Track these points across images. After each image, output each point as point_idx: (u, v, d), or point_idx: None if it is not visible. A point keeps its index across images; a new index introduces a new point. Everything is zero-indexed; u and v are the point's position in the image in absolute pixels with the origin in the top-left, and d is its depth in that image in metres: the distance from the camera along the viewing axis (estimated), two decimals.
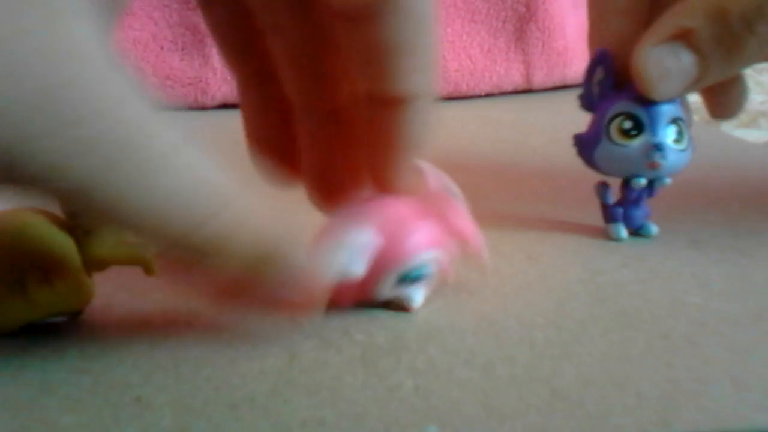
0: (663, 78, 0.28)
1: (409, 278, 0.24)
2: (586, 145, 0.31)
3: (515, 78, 0.63)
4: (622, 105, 0.30)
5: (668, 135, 0.29)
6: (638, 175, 0.30)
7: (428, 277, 0.24)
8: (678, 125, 0.29)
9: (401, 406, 0.20)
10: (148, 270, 0.25)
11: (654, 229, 0.31)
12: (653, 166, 0.29)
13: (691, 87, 0.28)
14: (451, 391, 0.20)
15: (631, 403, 0.20)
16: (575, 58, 0.65)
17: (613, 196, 0.31)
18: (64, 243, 0.23)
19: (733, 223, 0.33)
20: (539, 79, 0.64)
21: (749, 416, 0.19)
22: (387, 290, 0.24)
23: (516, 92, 0.64)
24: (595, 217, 0.32)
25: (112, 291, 0.27)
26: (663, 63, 0.28)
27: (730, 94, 0.33)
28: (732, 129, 0.58)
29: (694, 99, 0.34)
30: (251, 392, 0.20)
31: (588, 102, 0.31)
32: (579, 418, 0.19)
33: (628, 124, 0.29)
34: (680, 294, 0.26)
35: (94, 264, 0.24)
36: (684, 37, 0.27)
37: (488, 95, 0.63)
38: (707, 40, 0.27)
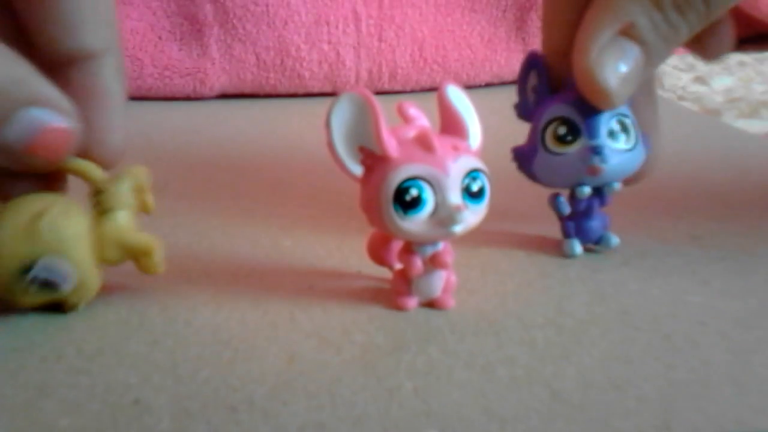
0: (622, 83, 0.26)
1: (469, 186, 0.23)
2: (524, 158, 0.29)
3: (516, 68, 0.62)
4: (555, 109, 0.28)
5: (609, 135, 0.27)
6: (581, 184, 0.28)
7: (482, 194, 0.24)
8: (621, 122, 0.27)
9: (401, 409, 0.20)
10: (149, 264, 0.25)
11: (614, 240, 0.29)
12: (593, 171, 0.27)
13: (640, 80, 0.27)
14: (451, 393, 0.20)
15: (631, 406, 0.20)
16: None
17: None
18: (77, 231, 0.24)
19: (735, 218, 0.33)
20: None
21: (751, 419, 0.19)
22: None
23: (516, 82, 0.64)
24: None
25: (110, 290, 0.27)
26: (618, 65, 0.26)
27: (717, 33, 0.30)
28: (733, 120, 0.58)
29: (694, 89, 0.34)
30: (250, 394, 0.20)
31: (523, 110, 0.30)
32: (579, 422, 0.19)
33: (562, 130, 0.27)
34: (681, 292, 0.26)
35: (106, 249, 0.24)
36: (626, 32, 0.26)
37: (488, 85, 0.62)
38: (648, 30, 0.26)
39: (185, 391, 0.21)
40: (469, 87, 0.64)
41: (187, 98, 0.57)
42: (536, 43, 0.63)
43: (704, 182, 0.38)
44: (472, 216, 0.23)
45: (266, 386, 0.21)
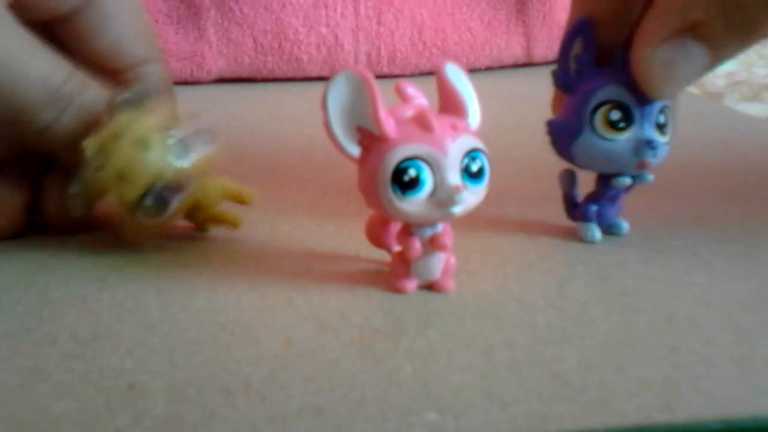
0: (672, 80, 0.25)
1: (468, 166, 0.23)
2: (563, 135, 0.27)
3: (516, 51, 0.62)
4: (610, 91, 0.26)
5: (657, 128, 0.26)
6: (623, 174, 0.27)
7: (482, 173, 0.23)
8: (665, 115, 0.26)
9: (400, 392, 0.19)
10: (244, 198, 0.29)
11: (625, 226, 0.28)
12: (643, 165, 0.26)
13: (700, 78, 0.26)
14: (451, 376, 0.20)
15: (633, 388, 0.19)
16: None
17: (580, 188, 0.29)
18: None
19: (737, 200, 0.33)
20: (540, 52, 0.63)
21: (755, 401, 0.19)
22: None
23: (516, 66, 0.63)
24: None
25: (105, 273, 0.26)
26: (672, 65, 0.24)
27: None
28: (735, 103, 0.58)
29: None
30: (246, 378, 0.20)
31: (564, 80, 0.27)
32: (581, 404, 0.19)
33: (616, 115, 0.26)
34: (683, 274, 0.26)
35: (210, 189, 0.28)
36: (692, 30, 0.24)
37: (488, 69, 0.62)
38: (720, 30, 0.24)
39: (181, 375, 0.20)
40: (468, 70, 0.64)
41: (185, 82, 0.56)
42: (537, 26, 0.62)
43: (706, 165, 0.38)
44: (472, 196, 0.23)
45: (263, 370, 0.20)
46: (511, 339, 0.22)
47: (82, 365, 0.21)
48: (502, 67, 0.62)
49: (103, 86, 0.28)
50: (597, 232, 0.28)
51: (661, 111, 0.26)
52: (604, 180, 0.28)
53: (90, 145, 0.26)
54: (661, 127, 0.26)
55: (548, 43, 0.63)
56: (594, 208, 0.28)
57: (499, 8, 0.61)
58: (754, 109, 0.56)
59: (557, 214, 0.30)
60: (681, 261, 0.27)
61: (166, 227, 0.28)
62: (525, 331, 0.22)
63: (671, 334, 0.22)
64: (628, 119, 0.26)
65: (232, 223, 0.29)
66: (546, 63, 0.64)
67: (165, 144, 0.26)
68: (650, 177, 0.27)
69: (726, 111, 0.51)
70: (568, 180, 0.29)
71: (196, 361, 0.21)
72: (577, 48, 0.27)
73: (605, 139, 0.26)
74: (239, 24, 0.56)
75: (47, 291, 0.25)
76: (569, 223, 0.30)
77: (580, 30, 0.27)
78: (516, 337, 0.22)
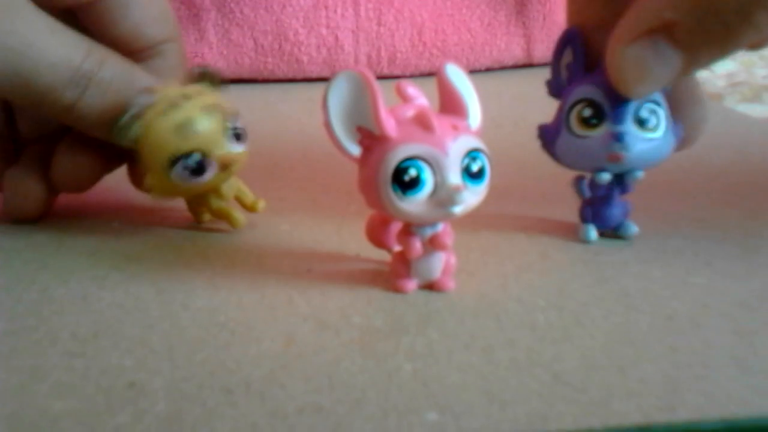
0: (642, 79, 0.25)
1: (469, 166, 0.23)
2: (548, 137, 0.28)
3: (516, 52, 0.62)
4: (582, 90, 0.27)
5: (637, 122, 0.26)
6: (602, 170, 0.27)
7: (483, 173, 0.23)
8: (652, 109, 0.26)
9: (400, 391, 0.19)
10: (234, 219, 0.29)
11: (633, 228, 0.28)
12: (614, 158, 0.26)
13: (673, 81, 0.25)
14: (451, 376, 0.20)
15: (634, 388, 0.19)
16: None
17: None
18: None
19: (737, 200, 0.33)
20: (540, 53, 0.63)
21: (755, 401, 0.19)
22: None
23: (517, 66, 0.63)
24: None
25: (106, 272, 0.26)
26: (643, 63, 0.24)
27: (689, 117, 0.29)
28: (735, 104, 0.58)
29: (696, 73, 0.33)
30: (247, 377, 0.20)
31: (555, 88, 0.29)
32: (581, 404, 0.19)
33: (587, 112, 0.26)
34: (684, 274, 0.26)
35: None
36: (666, 31, 0.24)
37: (488, 70, 0.62)
38: (694, 33, 0.23)
39: (181, 373, 0.20)
40: (469, 71, 0.64)
41: None
42: (537, 27, 0.62)
43: (706, 165, 0.38)
44: (472, 196, 0.23)
45: (263, 369, 0.20)
46: (512, 339, 0.22)
47: (82, 364, 0.21)
48: (502, 68, 0.63)
49: (120, 58, 0.29)
50: (593, 233, 0.28)
51: (643, 107, 0.26)
52: (591, 179, 0.28)
53: (164, 91, 0.27)
54: (641, 122, 0.26)
55: (548, 44, 0.63)
56: (589, 209, 0.29)
57: (499, 9, 0.61)
58: (754, 110, 0.56)
59: (557, 214, 0.30)
60: (681, 261, 0.27)
61: (178, 196, 0.29)
62: (525, 330, 0.22)
63: (671, 334, 0.22)
64: (599, 116, 0.26)
65: (234, 222, 0.29)
66: (546, 64, 0.64)
67: (224, 124, 0.27)
68: (639, 173, 0.27)
69: (726, 112, 0.51)
70: (579, 185, 0.29)
71: (196, 360, 0.21)
72: (567, 57, 0.28)
73: (579, 136, 0.27)
74: (239, 25, 0.56)
75: (48, 290, 0.25)
76: (569, 223, 0.30)
77: (568, 40, 0.28)
78: (516, 336, 0.22)
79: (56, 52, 0.27)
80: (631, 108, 0.26)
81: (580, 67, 0.28)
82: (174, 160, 0.26)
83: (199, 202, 0.30)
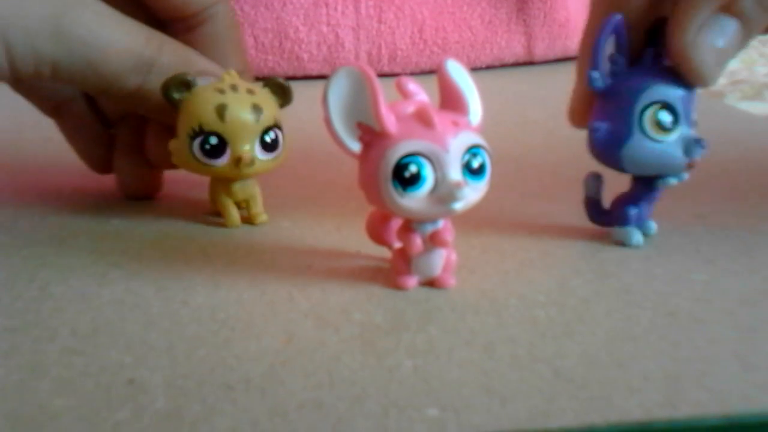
0: (719, 62, 0.25)
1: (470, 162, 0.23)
2: (611, 140, 0.26)
3: (516, 50, 0.62)
4: (656, 91, 0.25)
5: (693, 125, 0.26)
6: (668, 174, 0.26)
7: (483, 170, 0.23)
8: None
9: (400, 388, 0.19)
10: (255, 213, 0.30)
11: (653, 226, 0.28)
12: (693, 165, 0.25)
13: (735, 56, 0.26)
14: (452, 372, 0.20)
15: (635, 384, 0.19)
16: (577, 29, 0.64)
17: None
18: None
19: (739, 197, 0.33)
20: (541, 50, 0.63)
21: (756, 397, 0.19)
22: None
23: (517, 64, 0.63)
24: None
25: (105, 269, 0.26)
26: (716, 46, 0.24)
27: None
28: (736, 101, 0.58)
29: None
30: (247, 373, 0.20)
31: (597, 81, 0.26)
32: (582, 400, 0.19)
33: (667, 116, 0.25)
34: (685, 271, 0.26)
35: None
36: (726, 8, 0.24)
37: (489, 67, 0.62)
38: (751, 3, 0.24)
39: (181, 370, 0.20)
40: (469, 69, 0.64)
41: None
42: (537, 25, 0.62)
43: (708, 162, 0.37)
44: (473, 193, 0.23)
45: (263, 365, 0.20)
46: (512, 335, 0.22)
47: (82, 361, 0.21)
48: (503, 66, 0.62)
49: (176, 43, 0.30)
50: (640, 236, 0.28)
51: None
52: (645, 182, 0.27)
53: (223, 76, 0.29)
54: (695, 124, 0.26)
55: (549, 41, 0.63)
56: (634, 211, 0.27)
57: (499, 7, 0.61)
58: (755, 108, 0.56)
59: (558, 211, 0.30)
60: (682, 258, 0.27)
61: (191, 169, 0.29)
62: (526, 327, 0.22)
63: (673, 331, 0.22)
64: (676, 119, 0.25)
65: (228, 220, 0.30)
66: (546, 61, 0.64)
67: (258, 127, 0.28)
68: (686, 175, 0.27)
69: (727, 109, 0.51)
70: (595, 184, 0.28)
71: (196, 357, 0.21)
72: (609, 48, 0.26)
73: (655, 141, 0.25)
74: (240, 23, 0.56)
75: (47, 287, 0.25)
76: (570, 220, 0.30)
77: (613, 29, 0.26)
78: (517, 333, 0.22)
79: (121, 40, 0.28)
80: (692, 109, 0.26)
81: (626, 59, 0.26)
82: (197, 132, 0.28)
83: (214, 189, 0.30)
